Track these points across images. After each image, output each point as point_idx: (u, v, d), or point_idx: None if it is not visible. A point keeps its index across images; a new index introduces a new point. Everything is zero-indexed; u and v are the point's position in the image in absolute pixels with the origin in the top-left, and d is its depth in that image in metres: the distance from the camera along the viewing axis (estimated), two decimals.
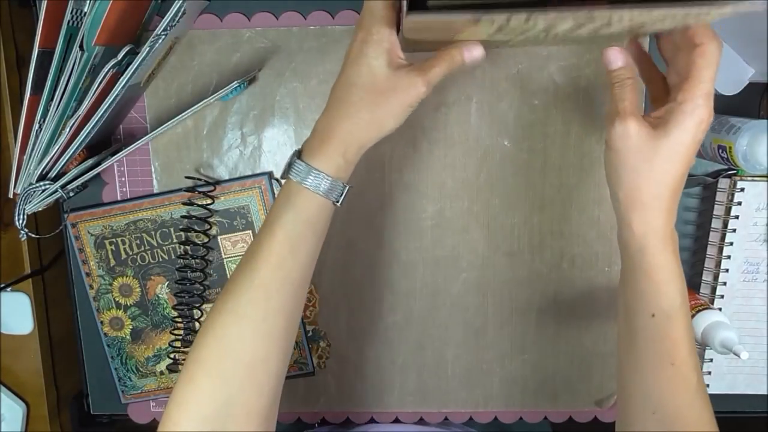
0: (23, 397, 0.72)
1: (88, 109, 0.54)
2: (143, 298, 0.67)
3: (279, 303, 0.43)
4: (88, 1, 0.50)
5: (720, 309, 0.64)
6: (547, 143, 0.65)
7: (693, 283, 0.67)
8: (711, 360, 0.66)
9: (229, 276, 0.66)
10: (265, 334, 0.43)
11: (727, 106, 0.63)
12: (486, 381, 0.70)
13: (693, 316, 0.59)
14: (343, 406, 0.70)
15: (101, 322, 0.68)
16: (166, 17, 0.53)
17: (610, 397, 0.69)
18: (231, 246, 0.65)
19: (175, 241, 0.65)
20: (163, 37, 0.54)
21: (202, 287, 0.66)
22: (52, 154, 0.56)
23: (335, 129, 0.44)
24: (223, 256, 0.66)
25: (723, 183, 0.63)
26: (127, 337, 0.68)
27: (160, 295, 0.67)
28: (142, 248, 0.66)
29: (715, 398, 0.68)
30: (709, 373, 0.66)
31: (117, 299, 0.67)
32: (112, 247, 0.66)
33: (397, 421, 0.71)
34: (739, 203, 0.62)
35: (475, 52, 0.43)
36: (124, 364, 0.69)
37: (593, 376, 0.69)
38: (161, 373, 0.69)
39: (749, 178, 0.62)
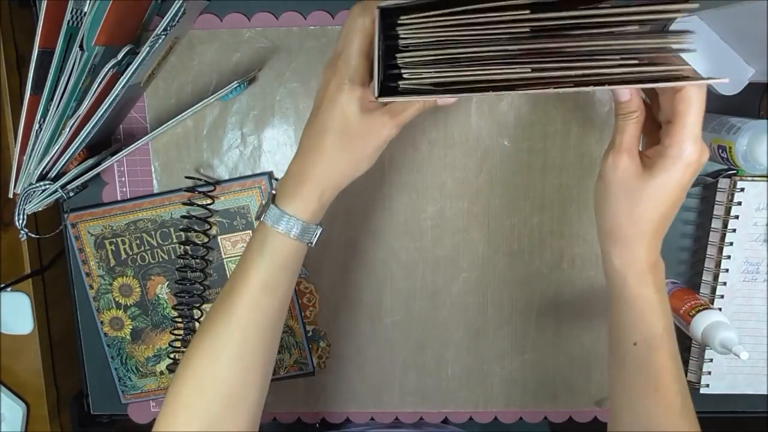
0: (23, 397, 0.72)
1: (88, 109, 0.54)
2: (143, 298, 0.67)
3: (255, 342, 0.45)
4: (88, 1, 0.50)
5: (720, 309, 0.64)
6: (547, 143, 0.65)
7: (693, 283, 0.67)
8: (711, 360, 0.66)
9: (229, 276, 0.66)
10: (242, 370, 0.44)
11: (727, 106, 0.63)
12: (486, 381, 0.70)
13: (693, 316, 0.59)
14: (343, 406, 0.70)
15: (101, 322, 0.68)
16: (166, 17, 0.53)
17: None
18: (231, 246, 0.65)
19: (175, 241, 0.65)
20: (163, 37, 0.54)
21: (202, 287, 0.66)
22: (52, 154, 0.56)
23: (310, 173, 0.45)
24: (223, 256, 0.66)
25: (723, 183, 0.63)
26: (127, 337, 0.68)
27: (160, 295, 0.67)
28: (142, 248, 0.66)
29: (715, 398, 0.69)
30: (709, 373, 0.66)
31: (117, 299, 0.67)
32: (112, 247, 0.66)
33: (397, 420, 0.71)
34: (739, 203, 0.62)
35: (449, 98, 0.44)
36: (124, 364, 0.69)
37: (593, 376, 0.69)
38: (161, 373, 0.69)
39: (749, 178, 0.62)
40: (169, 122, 0.60)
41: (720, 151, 0.57)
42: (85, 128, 0.56)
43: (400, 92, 0.43)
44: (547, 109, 0.64)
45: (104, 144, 0.64)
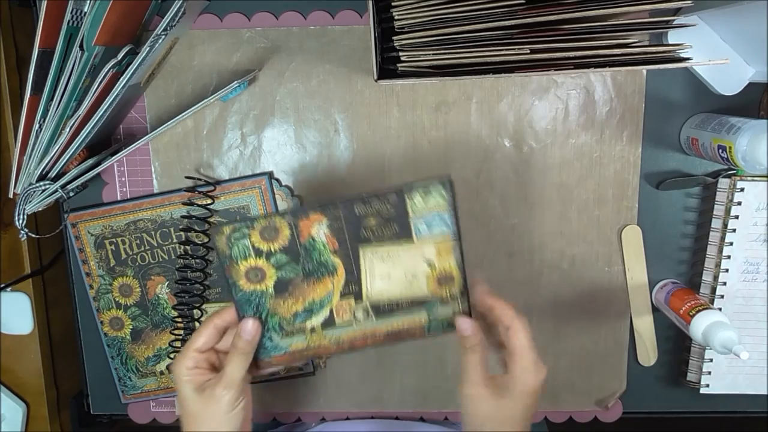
0: (23, 397, 0.72)
1: (88, 109, 0.54)
2: (143, 298, 0.67)
3: None
4: (88, 1, 0.50)
5: (720, 309, 0.64)
6: (547, 143, 0.65)
7: (693, 283, 0.67)
8: (711, 360, 0.66)
9: None
10: None
11: (727, 106, 0.63)
12: None
13: (693, 316, 0.59)
14: (343, 406, 0.70)
15: (101, 322, 0.68)
16: (166, 17, 0.53)
17: (610, 397, 0.69)
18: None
19: (175, 241, 0.65)
20: (163, 37, 0.54)
21: (202, 287, 0.66)
22: (52, 154, 0.56)
23: None
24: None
25: (723, 183, 0.63)
26: (127, 337, 0.68)
27: (160, 295, 0.67)
28: (142, 248, 0.66)
29: (715, 398, 0.69)
30: (709, 373, 0.66)
31: (117, 299, 0.67)
32: (112, 247, 0.66)
33: (397, 419, 0.71)
34: (739, 203, 0.62)
35: (248, 327, 0.51)
36: (124, 364, 0.69)
37: (593, 376, 0.69)
38: (161, 373, 0.69)
39: (749, 178, 0.62)
40: (169, 122, 0.60)
41: (720, 151, 0.57)
42: (85, 128, 0.56)
43: (399, 75, 0.43)
44: (547, 109, 0.64)
45: (104, 144, 0.64)
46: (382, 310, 0.56)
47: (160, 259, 0.66)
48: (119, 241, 0.66)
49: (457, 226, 0.52)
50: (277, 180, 0.65)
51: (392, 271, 0.55)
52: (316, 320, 0.56)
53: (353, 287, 0.56)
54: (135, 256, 0.66)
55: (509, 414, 0.47)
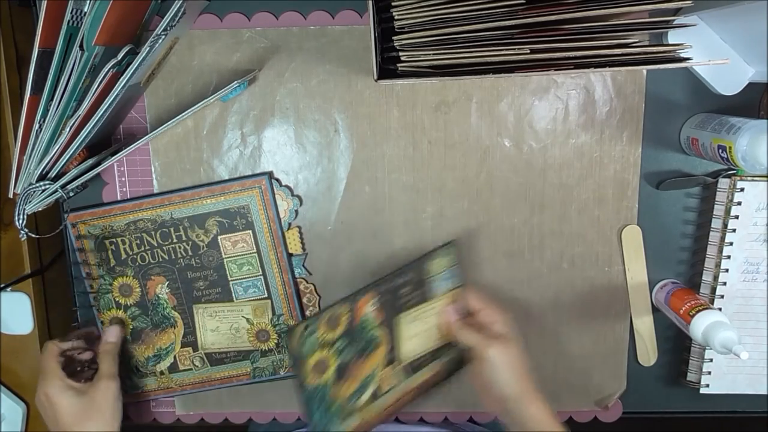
0: (23, 397, 0.72)
1: (88, 109, 0.54)
2: (143, 298, 0.67)
3: None
4: (88, 1, 0.50)
5: (720, 309, 0.64)
6: (547, 143, 0.65)
7: (693, 283, 0.67)
8: (711, 360, 0.66)
9: (229, 276, 0.66)
10: None
11: (727, 106, 0.63)
12: None
13: (693, 316, 0.59)
14: None
15: (102, 322, 0.67)
16: (166, 17, 0.53)
17: (610, 397, 0.69)
18: (231, 246, 0.65)
19: (175, 241, 0.65)
20: (163, 37, 0.54)
21: (202, 286, 0.66)
22: (52, 154, 0.56)
23: None
24: (224, 256, 0.66)
25: (723, 183, 0.63)
26: (128, 337, 0.68)
27: (160, 295, 0.67)
28: (142, 248, 0.66)
29: (715, 398, 0.69)
30: (709, 373, 0.66)
31: (117, 299, 0.67)
32: (112, 247, 0.66)
33: (397, 421, 0.71)
34: (739, 203, 0.62)
35: (111, 332, 0.64)
36: (124, 364, 0.68)
37: (593, 376, 0.69)
38: (161, 373, 0.69)
39: (749, 178, 0.62)
40: (169, 122, 0.60)
41: (720, 151, 0.57)
42: (85, 128, 0.56)
43: (399, 75, 0.43)
44: (547, 109, 0.64)
45: (104, 144, 0.64)
46: (413, 367, 0.61)
47: (160, 259, 0.66)
48: (119, 241, 0.65)
49: (462, 277, 0.62)
50: (277, 180, 0.65)
51: (419, 330, 0.60)
52: (367, 395, 0.58)
53: (393, 353, 0.59)
54: (135, 256, 0.66)
55: (519, 353, 0.56)
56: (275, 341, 0.68)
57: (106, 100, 0.55)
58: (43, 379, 0.58)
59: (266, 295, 0.67)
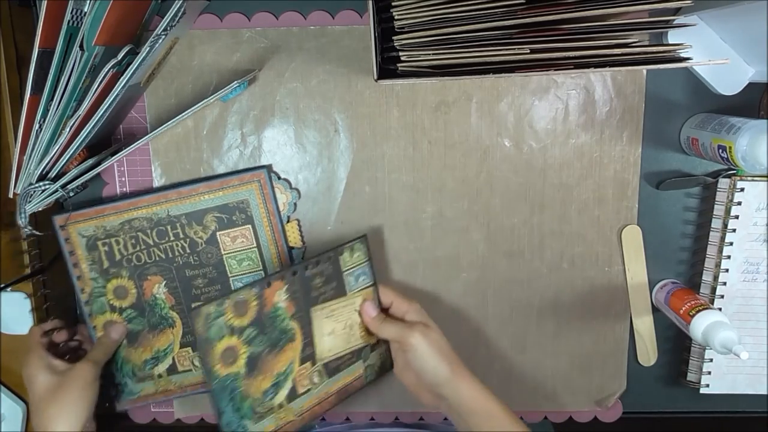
0: (23, 397, 0.72)
1: (88, 109, 0.54)
2: (139, 299, 0.66)
3: None
4: (88, 1, 0.50)
5: (720, 309, 0.64)
6: (547, 143, 0.65)
7: (693, 283, 0.67)
8: (711, 360, 0.66)
9: (228, 272, 0.66)
10: None
11: (727, 106, 0.63)
12: (485, 381, 0.69)
13: (693, 316, 0.59)
14: (344, 406, 0.70)
15: (94, 327, 0.66)
16: (166, 17, 0.53)
17: (610, 397, 0.69)
18: (230, 241, 0.65)
19: (172, 239, 0.65)
20: (163, 37, 0.54)
21: (201, 284, 0.66)
22: (52, 154, 0.56)
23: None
24: (223, 252, 0.65)
25: (723, 183, 0.63)
26: (124, 341, 0.67)
27: (157, 296, 0.66)
28: (138, 248, 0.65)
29: (715, 398, 0.69)
30: (709, 373, 0.66)
31: (111, 302, 0.66)
32: (105, 248, 0.64)
33: (396, 420, 0.71)
34: (739, 203, 0.62)
35: (116, 329, 0.64)
36: (119, 369, 0.67)
37: (593, 376, 0.69)
38: (159, 375, 0.68)
39: (749, 178, 0.62)
40: (169, 122, 0.60)
41: (720, 151, 0.57)
42: (85, 128, 0.56)
43: (399, 75, 0.43)
44: (547, 109, 0.64)
45: (104, 144, 0.64)
46: (331, 368, 0.60)
47: (157, 258, 0.65)
48: (113, 241, 0.64)
49: (374, 274, 0.61)
50: (276, 173, 0.65)
51: (336, 326, 0.60)
52: (282, 394, 0.57)
53: (308, 350, 0.59)
54: (130, 257, 0.65)
55: (440, 336, 0.57)
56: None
57: (106, 100, 0.55)
58: (25, 357, 0.58)
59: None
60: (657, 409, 0.71)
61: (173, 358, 0.68)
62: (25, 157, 0.57)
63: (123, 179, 0.66)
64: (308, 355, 0.59)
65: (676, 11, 0.58)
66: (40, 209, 0.60)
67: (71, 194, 0.60)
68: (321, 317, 0.58)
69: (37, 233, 0.61)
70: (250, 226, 0.65)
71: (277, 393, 0.57)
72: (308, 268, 0.56)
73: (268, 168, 0.65)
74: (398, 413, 0.71)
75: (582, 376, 0.69)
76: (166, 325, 0.67)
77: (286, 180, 0.66)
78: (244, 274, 0.66)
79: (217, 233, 0.65)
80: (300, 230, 0.66)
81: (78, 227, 0.64)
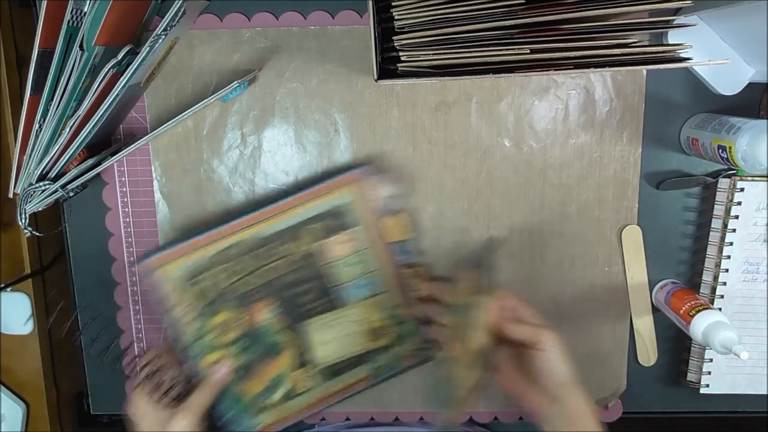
0: (23, 397, 0.72)
1: (88, 109, 0.54)
2: (247, 328, 0.62)
3: None
4: (88, 1, 0.50)
5: (720, 309, 0.64)
6: (547, 143, 0.65)
7: (693, 283, 0.67)
8: (711, 360, 0.66)
9: (336, 281, 0.63)
10: None
11: (727, 106, 0.63)
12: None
13: (693, 316, 0.59)
14: (343, 406, 0.70)
15: (201, 368, 0.62)
16: (166, 17, 0.53)
17: (610, 397, 0.69)
18: (334, 249, 0.63)
19: (270, 260, 0.61)
20: (163, 37, 0.54)
21: (309, 300, 0.63)
22: (52, 154, 0.56)
23: None
24: (327, 262, 0.63)
25: (723, 183, 0.63)
26: (234, 376, 0.63)
27: (264, 321, 0.62)
28: (236, 277, 0.61)
29: (715, 398, 0.69)
30: (709, 373, 0.66)
31: (217, 339, 0.62)
32: (202, 284, 0.61)
33: (396, 420, 0.71)
34: (739, 203, 0.62)
35: (222, 369, 0.61)
36: (232, 409, 0.64)
37: (593, 376, 0.69)
38: (276, 404, 0.64)
39: (749, 178, 0.62)
40: (169, 122, 0.60)
41: (720, 151, 0.57)
42: (85, 128, 0.56)
43: (399, 75, 0.43)
44: (547, 109, 0.64)
45: (104, 144, 0.64)
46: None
47: (259, 284, 0.62)
48: (208, 275, 0.61)
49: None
50: (374, 167, 0.63)
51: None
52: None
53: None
54: (230, 288, 0.61)
55: (563, 341, 0.56)
56: (393, 335, 0.65)
57: (106, 100, 0.55)
58: (131, 396, 0.59)
59: (379, 291, 0.64)
60: (657, 409, 0.71)
61: (288, 383, 0.64)
62: (25, 157, 0.57)
63: (123, 179, 0.66)
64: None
65: (676, 11, 0.58)
66: (40, 209, 0.60)
67: (71, 194, 0.60)
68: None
69: (37, 233, 0.61)
70: (353, 229, 0.62)
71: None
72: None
73: (367, 166, 0.62)
74: (398, 413, 0.71)
75: (582, 376, 0.69)
76: (278, 350, 0.63)
77: (384, 174, 0.63)
78: (352, 279, 0.63)
79: (319, 243, 0.62)
80: (409, 222, 0.65)
81: (166, 268, 0.61)
